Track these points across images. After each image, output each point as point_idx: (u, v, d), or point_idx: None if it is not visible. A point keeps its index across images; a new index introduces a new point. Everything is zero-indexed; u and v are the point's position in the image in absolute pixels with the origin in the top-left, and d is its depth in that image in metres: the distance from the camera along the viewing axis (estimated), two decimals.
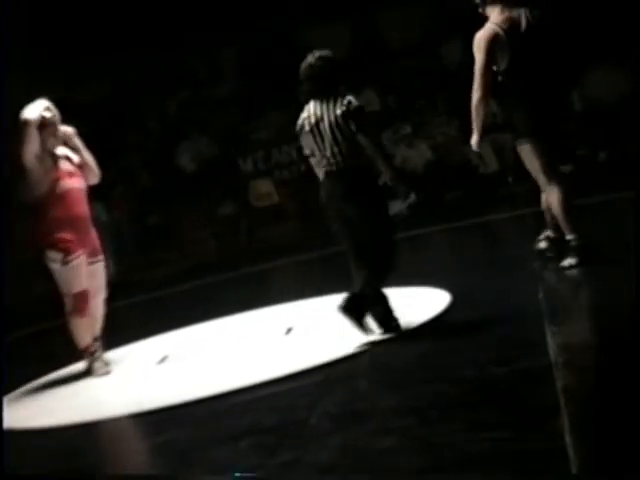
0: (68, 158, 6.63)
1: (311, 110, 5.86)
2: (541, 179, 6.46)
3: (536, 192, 6.67)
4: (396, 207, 8.64)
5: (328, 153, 5.79)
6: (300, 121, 5.91)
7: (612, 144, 11.85)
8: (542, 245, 6.78)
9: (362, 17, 13.75)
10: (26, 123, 6.38)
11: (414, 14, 13.41)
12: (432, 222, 10.21)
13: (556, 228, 6.61)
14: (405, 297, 6.28)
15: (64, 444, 5.18)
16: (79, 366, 6.73)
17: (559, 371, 4.43)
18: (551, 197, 6.43)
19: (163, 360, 6.61)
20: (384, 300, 5.86)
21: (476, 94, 6.38)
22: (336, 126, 5.75)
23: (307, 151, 5.98)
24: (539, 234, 6.82)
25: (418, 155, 12.36)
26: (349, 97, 5.79)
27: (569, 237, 6.38)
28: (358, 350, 5.60)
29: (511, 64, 6.34)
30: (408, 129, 12.60)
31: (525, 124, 6.37)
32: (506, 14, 6.42)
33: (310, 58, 5.87)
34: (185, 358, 6.54)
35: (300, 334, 6.45)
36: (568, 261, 6.37)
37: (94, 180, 6.73)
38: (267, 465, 4.04)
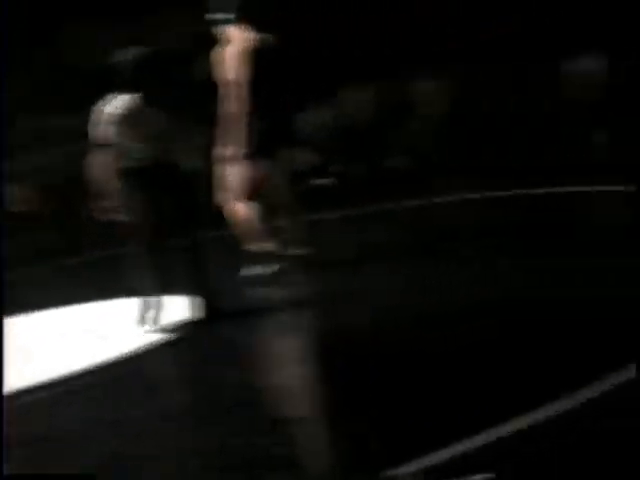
0: None
1: (128, 103, 6.04)
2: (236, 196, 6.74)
3: None
4: None
5: (144, 147, 6.00)
6: (112, 110, 6.03)
7: (366, 159, 12.37)
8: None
9: None
10: None
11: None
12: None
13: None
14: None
15: None
16: None
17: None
18: (240, 214, 6.74)
19: None
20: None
21: (236, 106, 6.55)
22: (157, 122, 6.04)
23: (107, 141, 6.01)
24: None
25: None
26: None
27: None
28: (117, 357, 5.68)
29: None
30: None
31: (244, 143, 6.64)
32: (247, 35, 6.70)
33: (127, 53, 6.09)
34: None
35: (53, 343, 6.42)
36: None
37: None
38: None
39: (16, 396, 5.22)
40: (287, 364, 5.21)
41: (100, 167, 6.07)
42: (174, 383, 5.32)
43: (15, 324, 7.19)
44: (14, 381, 5.48)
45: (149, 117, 6.08)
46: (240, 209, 6.81)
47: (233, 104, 6.56)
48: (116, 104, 6.10)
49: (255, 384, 4.88)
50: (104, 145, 6.06)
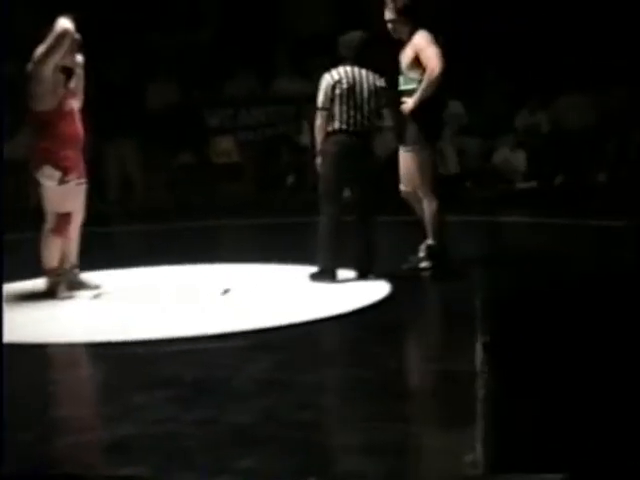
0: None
1: (349, 73, 6.74)
2: (425, 186, 6.97)
3: None
4: None
5: (358, 113, 6.66)
6: (336, 77, 6.72)
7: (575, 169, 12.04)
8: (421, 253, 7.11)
9: None
10: (66, 33, 6.38)
11: None
12: None
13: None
14: None
15: None
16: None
17: None
18: (429, 204, 6.98)
19: (97, 296, 6.60)
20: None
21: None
22: (374, 94, 6.73)
23: (327, 105, 6.69)
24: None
25: (384, 142, 12.37)
26: (377, 75, 6.79)
27: (431, 242, 7.02)
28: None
29: None
30: None
31: (428, 134, 6.93)
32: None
33: (354, 33, 6.86)
34: (119, 298, 6.54)
35: (237, 296, 6.49)
36: (426, 263, 7.03)
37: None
38: (181, 419, 4.07)
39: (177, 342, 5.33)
40: None
41: (318, 126, 6.73)
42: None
43: (188, 272, 7.40)
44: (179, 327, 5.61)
45: (364, 89, 6.69)
46: (433, 201, 6.98)
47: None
48: (338, 73, 6.73)
49: None
50: (322, 108, 6.72)
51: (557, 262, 7.57)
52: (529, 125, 12.47)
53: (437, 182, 7.08)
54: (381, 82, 6.79)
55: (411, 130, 6.90)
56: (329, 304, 6.12)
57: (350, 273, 6.80)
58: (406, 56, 6.92)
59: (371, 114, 6.72)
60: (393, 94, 6.93)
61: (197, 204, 12.07)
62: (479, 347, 4.91)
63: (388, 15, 6.97)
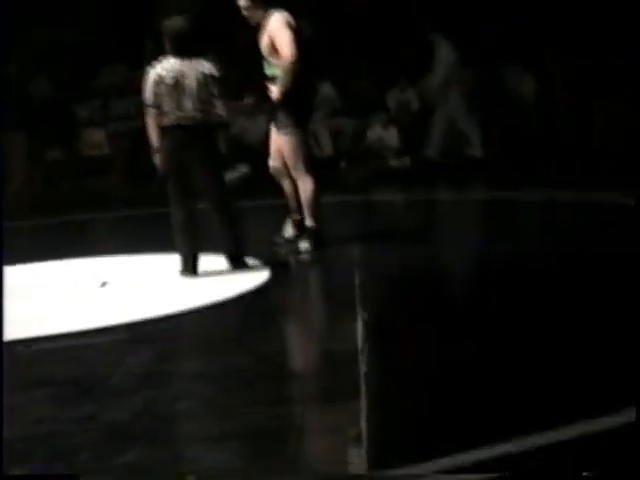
0: None
1: (172, 65, 6.38)
2: (299, 168, 6.97)
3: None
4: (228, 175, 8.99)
5: (186, 108, 6.33)
6: (158, 72, 6.39)
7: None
8: (289, 230, 7.24)
9: None
10: None
11: None
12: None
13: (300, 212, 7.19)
14: None
15: None
16: None
17: None
18: (305, 186, 6.97)
19: None
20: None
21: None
22: (202, 85, 6.35)
23: (152, 101, 6.40)
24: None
25: (257, 128, 12.31)
26: (211, 64, 6.43)
27: (309, 224, 7.01)
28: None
29: None
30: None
31: (298, 118, 6.92)
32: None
33: (177, 18, 6.49)
34: None
35: (114, 289, 6.41)
36: (304, 245, 7.00)
37: None
38: (61, 417, 4.00)
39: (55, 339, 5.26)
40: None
41: (149, 124, 6.49)
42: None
43: (64, 267, 7.27)
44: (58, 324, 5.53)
45: (190, 80, 6.35)
46: (308, 182, 6.98)
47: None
48: (161, 67, 6.42)
49: None
50: (150, 105, 6.44)
51: (436, 239, 7.70)
52: (400, 103, 12.65)
53: (311, 163, 7.09)
54: (212, 70, 6.41)
55: (281, 116, 6.91)
56: (208, 292, 6.08)
57: (225, 261, 6.76)
58: (264, 42, 6.86)
59: (202, 105, 6.35)
60: (227, 81, 6.62)
61: (69, 197, 11.86)
62: (360, 327, 4.95)
63: (241, 2, 6.91)
